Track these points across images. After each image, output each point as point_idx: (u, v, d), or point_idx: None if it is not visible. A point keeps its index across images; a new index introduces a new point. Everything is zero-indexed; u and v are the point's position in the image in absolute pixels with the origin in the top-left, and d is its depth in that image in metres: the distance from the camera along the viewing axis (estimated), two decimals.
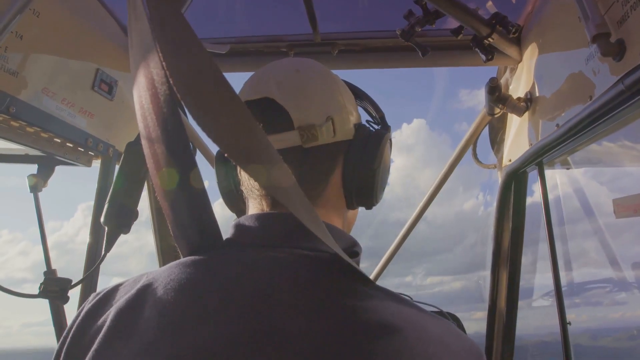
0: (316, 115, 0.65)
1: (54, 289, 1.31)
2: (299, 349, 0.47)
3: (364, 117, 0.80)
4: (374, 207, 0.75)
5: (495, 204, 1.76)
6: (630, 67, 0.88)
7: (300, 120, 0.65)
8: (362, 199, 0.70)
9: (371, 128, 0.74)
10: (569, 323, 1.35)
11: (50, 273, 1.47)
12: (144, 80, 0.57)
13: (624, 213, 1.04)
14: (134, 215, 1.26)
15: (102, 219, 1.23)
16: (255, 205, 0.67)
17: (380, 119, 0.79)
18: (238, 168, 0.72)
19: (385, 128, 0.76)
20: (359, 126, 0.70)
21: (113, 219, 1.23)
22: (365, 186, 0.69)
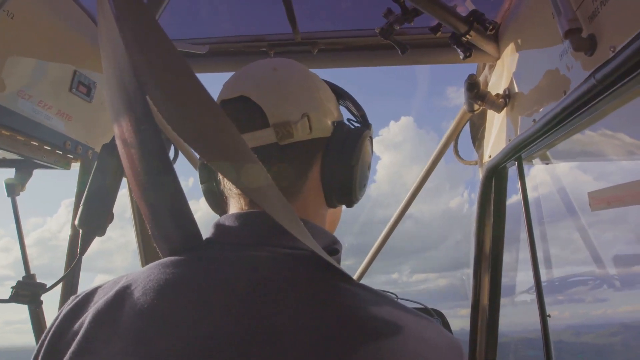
0: (291, 112, 0.65)
1: (25, 293, 1.29)
2: (280, 348, 0.47)
3: (347, 116, 0.80)
4: (356, 205, 0.75)
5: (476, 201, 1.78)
6: (601, 62, 0.89)
7: (275, 117, 0.65)
8: (341, 196, 0.70)
9: (351, 126, 0.74)
10: (549, 315, 1.37)
11: (29, 278, 1.45)
12: (115, 82, 0.56)
13: (598, 205, 1.06)
14: (109, 217, 1.25)
15: (76, 222, 1.21)
16: (234, 204, 0.68)
17: (361, 117, 0.79)
18: None
19: (366, 126, 0.76)
20: (337, 124, 0.70)
21: (87, 222, 1.22)
22: (343, 183, 0.69)
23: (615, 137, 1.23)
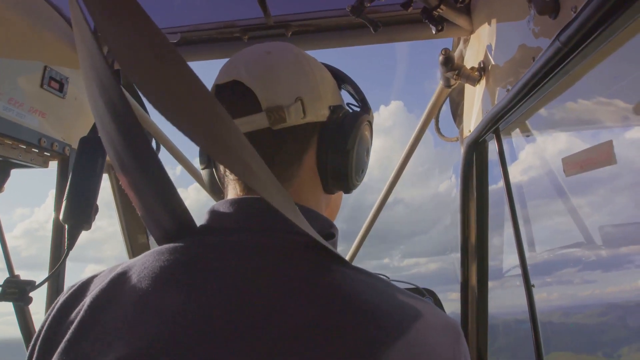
0: (284, 96, 0.64)
1: (12, 290, 1.29)
2: (273, 331, 0.47)
3: (349, 100, 0.79)
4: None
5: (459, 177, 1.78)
6: (564, 24, 0.89)
7: (267, 101, 0.64)
8: (337, 182, 0.69)
9: (350, 110, 0.73)
10: (533, 285, 1.38)
11: (31, 283, 1.45)
12: (92, 75, 0.55)
13: (572, 170, 1.06)
14: (94, 210, 1.24)
15: (61, 217, 1.21)
16: (231, 190, 0.67)
17: (361, 101, 0.77)
18: None
19: (365, 110, 0.75)
20: (334, 108, 0.69)
21: (73, 217, 1.21)
22: (339, 169, 0.68)
23: (588, 101, 1.23)
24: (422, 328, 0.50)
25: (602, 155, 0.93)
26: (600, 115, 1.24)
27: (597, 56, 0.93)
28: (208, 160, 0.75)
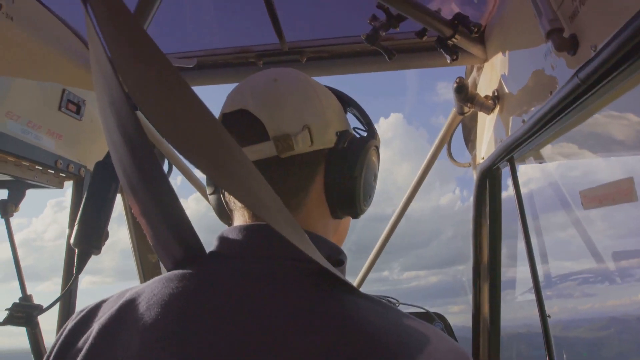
0: (291, 124, 0.64)
1: (19, 314, 1.29)
2: None
3: (354, 123, 0.79)
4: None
5: (472, 202, 1.78)
6: (583, 61, 0.89)
7: (274, 130, 0.64)
8: (345, 207, 0.69)
9: (357, 135, 0.73)
10: (549, 316, 1.36)
11: (25, 299, 1.45)
12: (106, 99, 0.56)
13: (590, 204, 1.05)
14: (104, 235, 1.25)
15: (72, 241, 1.21)
16: (238, 217, 0.67)
17: (367, 125, 0.77)
18: None
19: (371, 135, 0.75)
20: (341, 133, 0.69)
21: (83, 241, 1.22)
22: (347, 195, 0.67)
23: (604, 135, 1.23)
24: (433, 357, 0.50)
25: (622, 192, 0.93)
26: (617, 149, 1.24)
27: (615, 93, 0.94)
28: (215, 186, 0.75)
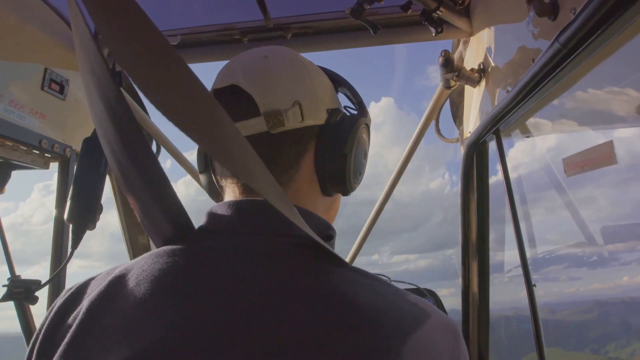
0: (282, 100, 0.65)
1: (19, 290, 1.29)
2: (277, 335, 0.47)
3: (346, 103, 0.79)
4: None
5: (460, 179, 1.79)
6: (563, 25, 0.89)
7: (265, 105, 0.64)
8: (335, 184, 0.69)
9: (347, 113, 0.73)
10: (535, 285, 1.38)
11: (37, 282, 1.45)
12: (90, 78, 0.56)
13: (573, 170, 1.06)
14: (98, 209, 1.25)
15: (65, 217, 1.21)
16: (228, 193, 0.67)
17: (358, 104, 0.78)
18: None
19: (362, 113, 0.75)
20: (332, 111, 0.69)
21: (78, 216, 1.21)
22: (337, 172, 0.68)
23: (588, 102, 1.23)
24: (420, 329, 0.50)
25: (602, 156, 0.94)
26: (599, 115, 1.24)
27: (597, 57, 0.94)
28: (205, 165, 0.75)
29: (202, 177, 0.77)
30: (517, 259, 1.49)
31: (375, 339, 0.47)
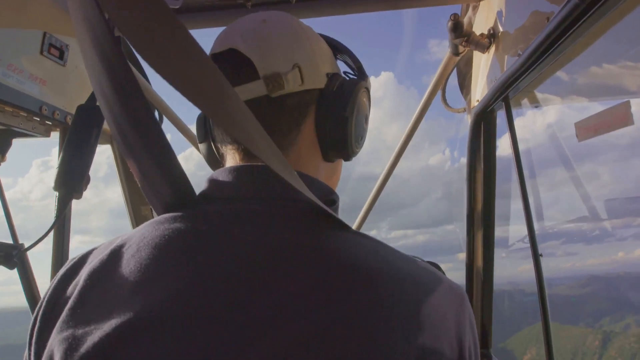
0: (282, 63, 0.63)
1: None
2: (281, 298, 0.47)
3: (345, 70, 0.78)
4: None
5: (466, 148, 1.76)
6: None
7: (264, 69, 0.63)
8: (337, 149, 0.69)
9: (347, 78, 0.72)
10: (541, 255, 1.37)
11: (17, 247, 1.44)
12: (91, 44, 0.54)
13: (586, 134, 1.03)
14: (85, 179, 1.24)
15: (52, 185, 1.20)
16: (229, 160, 0.67)
17: (358, 69, 0.77)
18: (212, 124, 0.72)
19: (362, 77, 0.74)
20: (332, 75, 0.68)
21: (64, 184, 1.21)
22: (338, 136, 0.67)
23: (605, 65, 1.20)
24: (424, 291, 0.50)
25: (618, 117, 0.91)
26: (617, 79, 1.21)
27: (617, 13, 0.90)
28: (206, 134, 0.75)
29: (201, 147, 0.77)
30: (519, 233, 1.48)
31: (376, 298, 0.47)
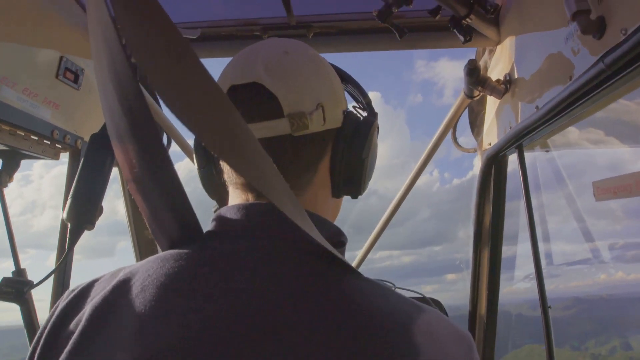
0: (306, 102, 0.62)
1: (8, 290, 1.26)
2: (281, 343, 0.46)
3: (350, 102, 0.77)
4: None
5: (475, 188, 1.75)
6: (610, 45, 0.85)
7: (290, 107, 0.61)
8: (349, 187, 0.68)
9: (358, 114, 0.72)
10: (550, 307, 1.35)
11: (18, 273, 1.42)
12: (106, 68, 0.52)
13: (604, 195, 1.03)
14: (98, 210, 1.21)
15: (64, 215, 1.18)
16: (238, 195, 0.64)
17: (367, 105, 0.76)
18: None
19: (373, 115, 0.73)
20: (347, 113, 0.67)
21: (76, 215, 1.18)
22: (353, 175, 0.67)
23: (622, 124, 1.20)
24: (435, 340, 0.50)
25: (638, 183, 0.90)
26: (635, 140, 1.20)
27: None
28: (207, 161, 0.72)
29: (201, 174, 0.74)
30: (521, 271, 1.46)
31: (386, 349, 0.46)
